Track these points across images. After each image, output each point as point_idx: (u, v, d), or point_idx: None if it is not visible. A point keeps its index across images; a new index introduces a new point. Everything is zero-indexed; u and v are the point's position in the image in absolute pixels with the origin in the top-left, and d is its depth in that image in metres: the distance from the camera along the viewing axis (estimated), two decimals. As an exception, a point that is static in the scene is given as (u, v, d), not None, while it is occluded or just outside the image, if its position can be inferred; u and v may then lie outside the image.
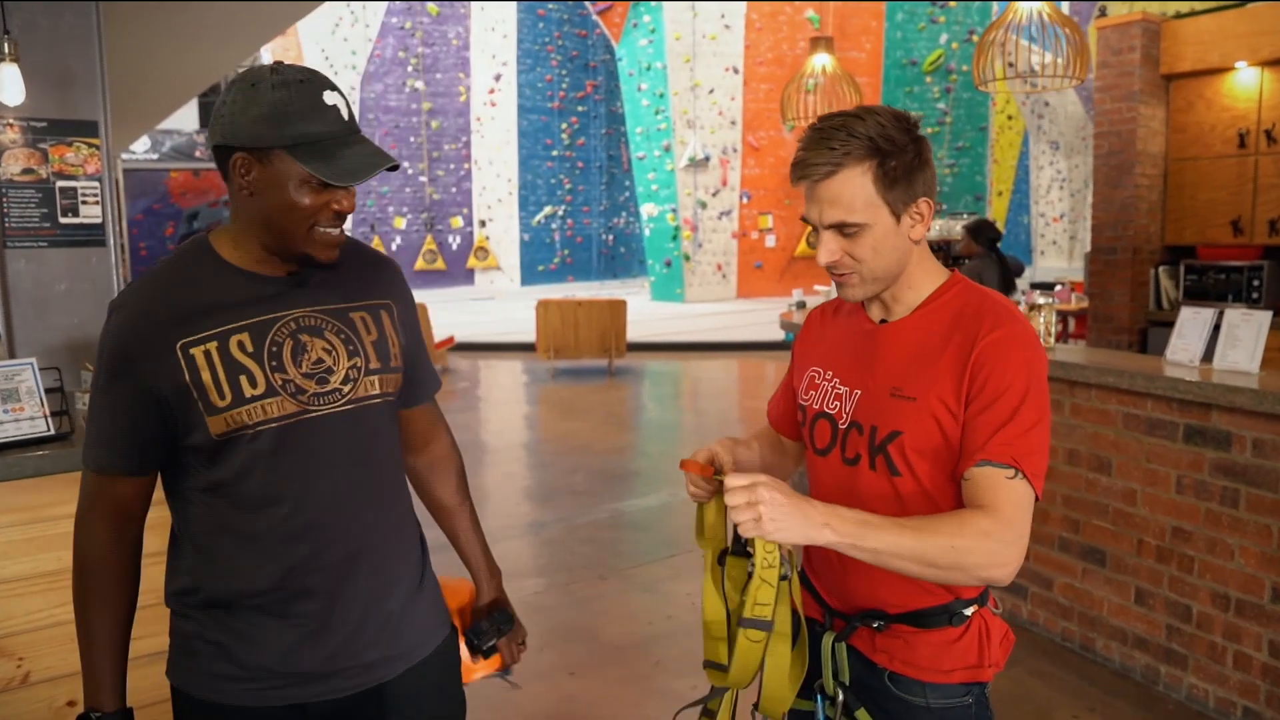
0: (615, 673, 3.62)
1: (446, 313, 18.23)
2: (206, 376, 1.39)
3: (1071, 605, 3.76)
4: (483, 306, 20.61)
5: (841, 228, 1.46)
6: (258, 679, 1.49)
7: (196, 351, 1.40)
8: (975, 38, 18.33)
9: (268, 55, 24.86)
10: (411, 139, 25.90)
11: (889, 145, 1.42)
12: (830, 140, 1.42)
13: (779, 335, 12.42)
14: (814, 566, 1.71)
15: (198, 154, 32.98)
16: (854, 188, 1.43)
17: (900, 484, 1.50)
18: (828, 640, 1.64)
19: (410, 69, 25.15)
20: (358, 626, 1.52)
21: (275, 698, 1.50)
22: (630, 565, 4.75)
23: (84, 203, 3.26)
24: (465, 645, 1.76)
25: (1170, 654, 3.40)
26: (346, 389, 1.49)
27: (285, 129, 1.34)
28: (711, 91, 20.27)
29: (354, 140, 1.40)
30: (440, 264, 26.31)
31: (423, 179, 26.18)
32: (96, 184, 3.27)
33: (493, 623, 1.80)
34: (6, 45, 2.89)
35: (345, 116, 1.40)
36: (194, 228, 35.38)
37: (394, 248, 23.25)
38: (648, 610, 4.20)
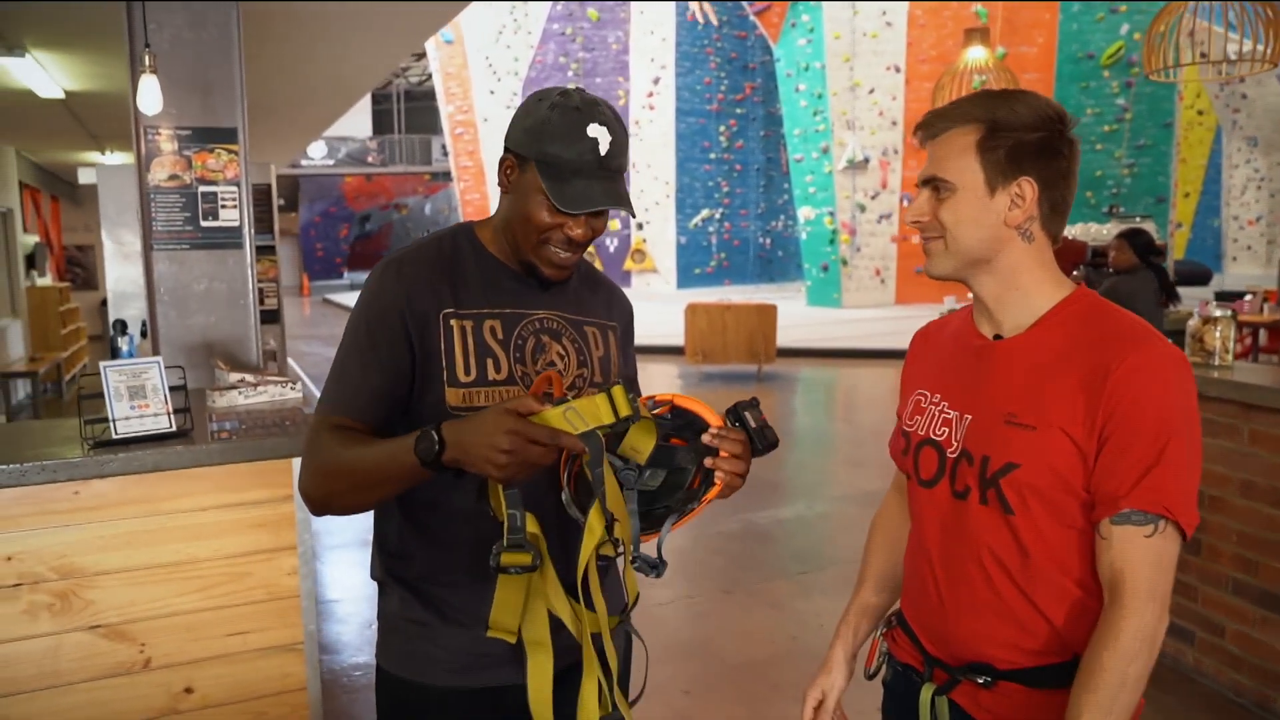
0: (731, 694, 3.48)
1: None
2: (459, 350, 1.47)
3: (1245, 656, 3.37)
4: (637, 308, 20.69)
5: (934, 184, 1.38)
6: (456, 659, 1.51)
7: (455, 324, 1.48)
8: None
9: (435, 65, 25.84)
10: (571, 143, 26.30)
11: (1008, 115, 1.34)
12: (958, 103, 1.40)
13: (936, 343, 11.92)
14: (913, 605, 1.54)
15: (370, 159, 34.69)
16: (955, 145, 1.36)
17: (1015, 523, 1.33)
18: (926, 693, 1.47)
19: (570, 74, 25.59)
20: None
21: (472, 679, 1.51)
22: (757, 580, 4.59)
23: (223, 207, 3.38)
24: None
25: (1363, 717, 2.99)
26: (570, 395, 1.50)
27: (538, 145, 1.43)
28: (872, 91, 19.72)
29: (596, 174, 1.44)
30: (598, 266, 26.64)
31: (582, 182, 26.56)
32: (235, 189, 3.38)
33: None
34: (147, 58, 3.02)
35: (602, 151, 1.43)
36: (366, 229, 37.23)
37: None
38: (771, 629, 4.03)
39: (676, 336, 12.42)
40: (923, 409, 1.49)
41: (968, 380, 1.42)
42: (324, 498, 1.44)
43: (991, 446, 1.35)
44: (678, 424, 1.45)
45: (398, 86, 36.18)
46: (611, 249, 26.94)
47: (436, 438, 1.30)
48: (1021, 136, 1.32)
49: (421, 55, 29.17)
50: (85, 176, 5.36)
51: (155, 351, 3.36)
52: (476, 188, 25.95)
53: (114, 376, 2.52)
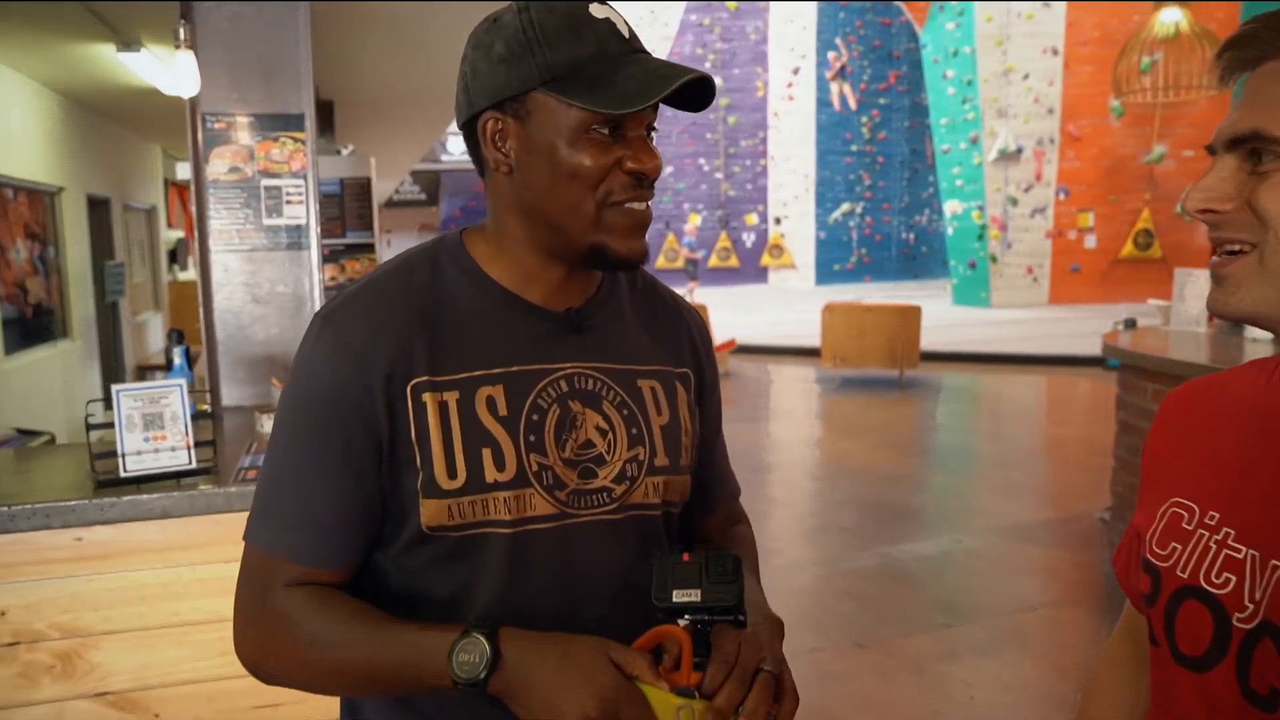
0: (860, 787, 2.90)
1: (737, 312, 17.90)
2: (436, 440, 0.98)
3: None
4: (774, 306, 20.08)
5: (1252, 145, 0.78)
6: None
7: (430, 399, 0.99)
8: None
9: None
10: (708, 135, 25.91)
11: None
12: None
13: (1097, 349, 10.84)
14: None
15: (507, 155, 35.14)
16: None
17: None
18: None
19: (708, 65, 25.06)
20: None
21: None
22: (895, 633, 3.97)
23: (288, 202, 3.01)
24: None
25: None
26: (618, 490, 1.05)
27: (535, 61, 0.96)
28: (1026, 77, 18.41)
29: (634, 59, 0.98)
30: (734, 261, 26.15)
31: (718, 175, 26.15)
32: (301, 182, 3.01)
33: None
34: (182, 31, 2.66)
35: (624, 33, 0.99)
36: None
37: (686, 244, 23.30)
38: (911, 699, 3.42)
39: (814, 337, 11.73)
40: (1185, 533, 0.90)
41: (1276, 496, 0.83)
42: (287, 682, 1.01)
43: None
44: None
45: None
46: (748, 245, 26.34)
47: (489, 653, 0.89)
48: None
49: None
50: (183, 172, 5.20)
51: (211, 365, 3.03)
52: (611, 182, 25.80)
53: (127, 403, 2.15)
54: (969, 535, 5.28)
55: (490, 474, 0.99)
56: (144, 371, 10.02)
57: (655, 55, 1.00)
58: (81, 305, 7.93)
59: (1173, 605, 0.89)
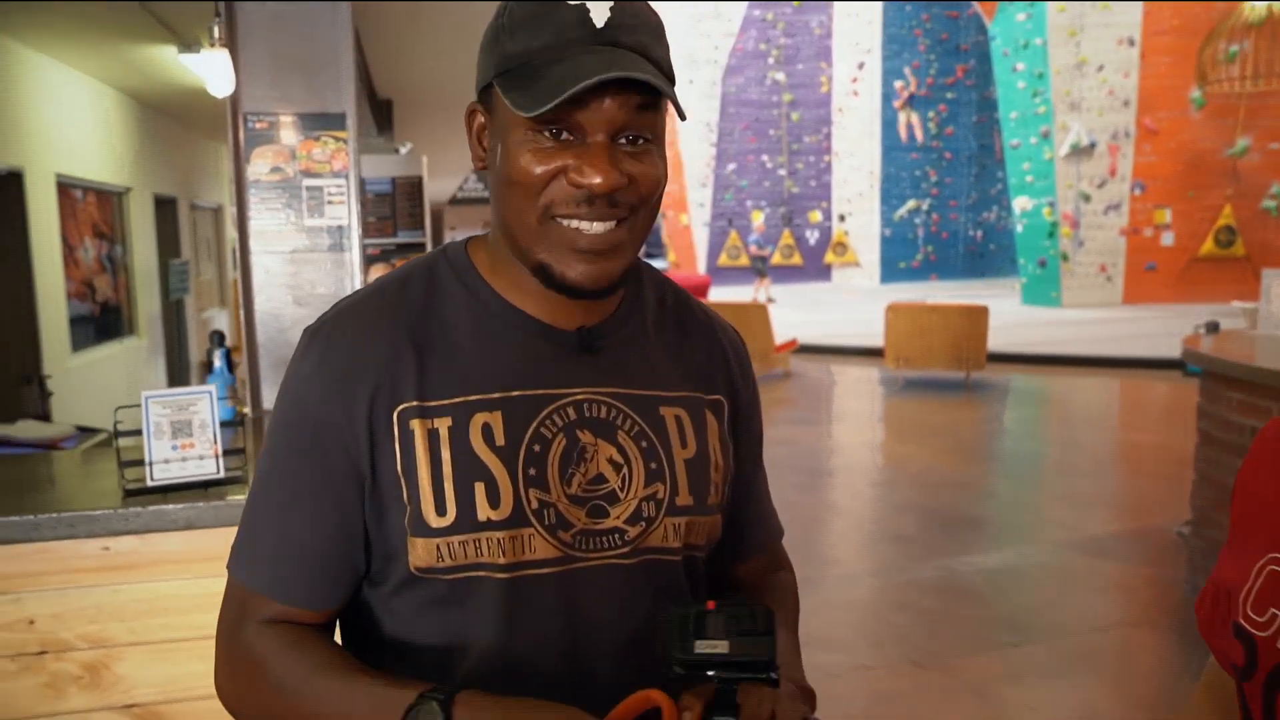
0: (916, 818, 2.76)
1: (799, 310, 17.69)
2: (424, 472, 0.89)
3: None
4: (838, 305, 19.79)
5: None
6: None
7: (418, 427, 0.90)
8: None
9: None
10: (771, 131, 25.66)
11: None
12: None
13: (1174, 351, 10.40)
14: None
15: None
16: None
17: None
18: None
19: (771, 61, 24.85)
20: None
21: None
22: (955, 652, 3.79)
23: (329, 203, 2.96)
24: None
25: None
26: (632, 531, 0.94)
27: (496, 54, 0.88)
28: (1100, 68, 17.84)
29: (594, 51, 0.84)
30: (797, 259, 25.89)
31: (781, 172, 25.89)
32: (343, 182, 2.96)
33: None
34: (216, 29, 2.61)
35: (598, 21, 0.85)
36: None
37: (754, 242, 23.08)
38: (971, 724, 3.26)
39: (878, 337, 11.49)
40: None
41: None
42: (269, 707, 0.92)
43: None
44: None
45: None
46: (812, 242, 26.03)
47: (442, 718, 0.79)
48: None
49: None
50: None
51: (252, 369, 2.99)
52: (675, 178, 25.65)
53: (156, 410, 2.10)
54: (1036, 548, 5.07)
55: (483, 511, 0.89)
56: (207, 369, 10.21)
57: (619, 49, 0.86)
58: (147, 303, 8.07)
59: (1273, 684, 0.76)
